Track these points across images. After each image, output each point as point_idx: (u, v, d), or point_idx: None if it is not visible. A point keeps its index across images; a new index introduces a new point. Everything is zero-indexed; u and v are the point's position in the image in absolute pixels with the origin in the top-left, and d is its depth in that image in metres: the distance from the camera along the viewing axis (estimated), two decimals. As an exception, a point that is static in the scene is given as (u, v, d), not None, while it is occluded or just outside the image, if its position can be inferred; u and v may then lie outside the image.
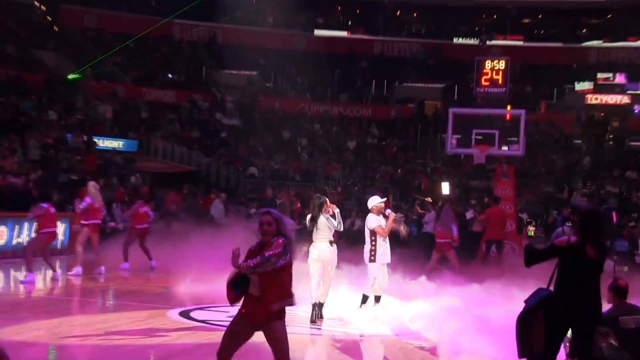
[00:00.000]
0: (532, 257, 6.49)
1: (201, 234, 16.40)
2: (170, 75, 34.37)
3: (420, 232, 20.30)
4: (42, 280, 13.99)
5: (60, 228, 17.29)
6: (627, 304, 7.15)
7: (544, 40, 38.18)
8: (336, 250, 10.69)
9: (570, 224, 6.73)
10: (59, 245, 17.57)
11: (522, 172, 26.50)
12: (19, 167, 18.99)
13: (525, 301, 6.34)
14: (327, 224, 10.48)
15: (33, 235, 14.49)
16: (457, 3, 37.71)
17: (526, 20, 40.02)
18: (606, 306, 6.85)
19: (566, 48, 37.15)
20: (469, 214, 21.13)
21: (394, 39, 38.53)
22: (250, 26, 35.68)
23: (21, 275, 13.81)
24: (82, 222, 14.80)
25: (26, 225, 16.21)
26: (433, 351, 9.06)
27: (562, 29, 39.05)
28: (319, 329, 10.20)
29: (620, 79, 34.45)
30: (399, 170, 29.47)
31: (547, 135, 31.52)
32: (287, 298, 5.88)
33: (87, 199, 14.63)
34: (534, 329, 6.17)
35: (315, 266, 10.44)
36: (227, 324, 6.09)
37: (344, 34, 39.52)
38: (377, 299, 11.27)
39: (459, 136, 20.91)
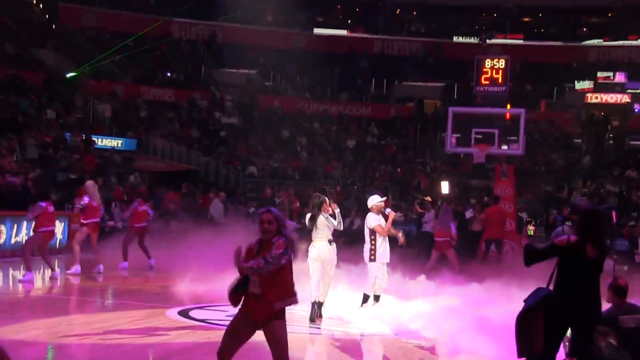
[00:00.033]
0: (532, 257, 6.47)
1: (200, 233, 16.38)
2: (169, 74, 34.36)
3: (420, 231, 20.29)
4: (40, 280, 13.98)
5: (59, 227, 17.30)
6: (626, 303, 7.13)
7: (544, 39, 38.18)
8: (335, 249, 10.68)
9: (570, 223, 6.74)
10: (57, 245, 17.57)
11: (522, 171, 26.49)
12: (18, 166, 18.97)
13: (525, 300, 6.33)
14: (326, 223, 10.46)
15: (31, 234, 14.47)
16: (457, 2, 37.69)
17: (526, 19, 40.02)
18: (606, 305, 6.83)
19: (566, 47, 37.15)
20: (469, 213, 21.11)
21: (393, 38, 38.52)
22: (249, 25, 35.65)
23: (20, 274, 13.79)
24: (82, 221, 14.80)
25: (25, 224, 16.20)
26: (432, 350, 9.05)
27: (562, 27, 39.06)
28: (318, 328, 10.18)
29: (620, 77, 34.44)
30: (399, 170, 29.45)
31: (547, 134, 31.51)
32: (289, 297, 5.87)
33: (85, 198, 14.62)
34: (534, 329, 6.16)
35: (315, 266, 10.43)
36: (226, 323, 6.07)
37: (343, 32, 39.50)
38: (377, 298, 11.26)
39: (458, 135, 20.87)
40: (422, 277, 13.65)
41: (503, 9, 38.51)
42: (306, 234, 10.65)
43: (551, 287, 6.32)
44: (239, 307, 5.90)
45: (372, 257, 11.10)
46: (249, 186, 27.35)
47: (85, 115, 27.51)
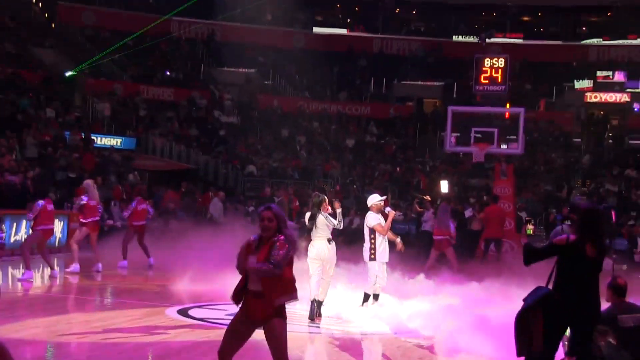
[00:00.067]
0: (531, 256, 6.47)
1: (199, 232, 16.38)
2: (168, 73, 34.34)
3: (419, 230, 20.28)
4: (40, 278, 13.97)
5: (58, 226, 17.28)
6: (626, 302, 7.13)
7: (543, 38, 38.19)
8: (335, 248, 10.67)
9: (569, 223, 6.74)
10: (57, 244, 17.56)
11: (521, 171, 26.49)
12: (17, 165, 18.96)
13: (524, 300, 6.32)
14: (325, 223, 10.46)
15: (30, 232, 14.46)
16: (457, 1, 37.70)
17: (526, 18, 40.02)
18: (605, 305, 6.83)
19: (566, 46, 37.16)
20: (468, 213, 21.10)
21: (393, 37, 38.52)
22: (249, 24, 35.61)
23: (19, 272, 13.78)
24: (82, 220, 14.79)
25: (24, 223, 16.18)
26: (431, 349, 9.05)
27: (561, 26, 39.07)
28: (318, 327, 10.18)
29: (619, 77, 34.46)
30: (398, 169, 29.44)
31: (546, 134, 31.52)
32: (290, 293, 5.85)
33: (84, 197, 14.61)
34: (533, 328, 6.15)
35: (315, 265, 10.43)
36: (226, 322, 6.07)
37: (343, 31, 39.49)
38: (376, 297, 11.25)
39: (458, 134, 20.86)
40: (421, 276, 13.65)
41: (502, 8, 38.51)
42: (305, 233, 10.65)
43: (550, 287, 6.31)
44: (239, 306, 5.90)
45: (372, 256, 11.09)
46: (248, 185, 27.34)
47: (84, 114, 27.49)
